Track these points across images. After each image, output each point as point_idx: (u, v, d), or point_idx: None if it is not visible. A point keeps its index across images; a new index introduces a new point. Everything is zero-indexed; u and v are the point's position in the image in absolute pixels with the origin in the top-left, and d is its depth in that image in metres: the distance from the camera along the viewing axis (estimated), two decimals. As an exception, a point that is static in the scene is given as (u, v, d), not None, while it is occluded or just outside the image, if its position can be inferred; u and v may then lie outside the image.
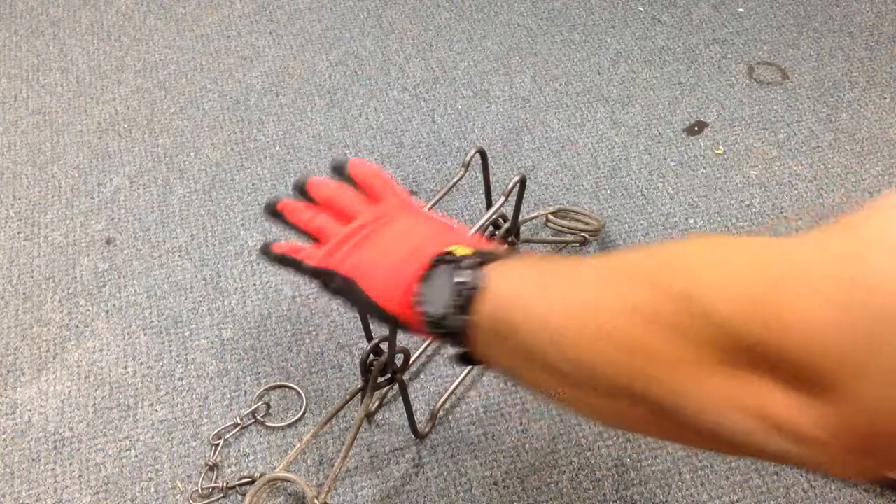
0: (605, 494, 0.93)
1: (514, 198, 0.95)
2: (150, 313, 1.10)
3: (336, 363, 1.05)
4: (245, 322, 1.09)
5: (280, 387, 1.02)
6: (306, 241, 0.80)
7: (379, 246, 0.73)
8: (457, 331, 0.61)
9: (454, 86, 1.44)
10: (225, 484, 0.92)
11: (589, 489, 0.94)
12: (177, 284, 1.14)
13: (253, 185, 1.27)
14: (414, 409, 0.96)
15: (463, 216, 1.23)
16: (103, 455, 0.96)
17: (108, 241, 1.19)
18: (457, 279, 0.61)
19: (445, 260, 0.65)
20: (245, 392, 1.02)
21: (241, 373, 1.04)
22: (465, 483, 0.94)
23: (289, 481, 0.91)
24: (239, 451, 0.96)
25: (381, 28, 1.56)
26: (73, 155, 1.32)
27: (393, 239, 0.73)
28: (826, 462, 0.44)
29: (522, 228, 1.12)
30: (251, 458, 0.96)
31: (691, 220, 1.22)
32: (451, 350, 0.76)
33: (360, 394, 0.90)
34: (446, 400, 1.00)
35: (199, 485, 0.92)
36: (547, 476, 0.95)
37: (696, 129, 1.37)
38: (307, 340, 1.08)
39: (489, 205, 0.96)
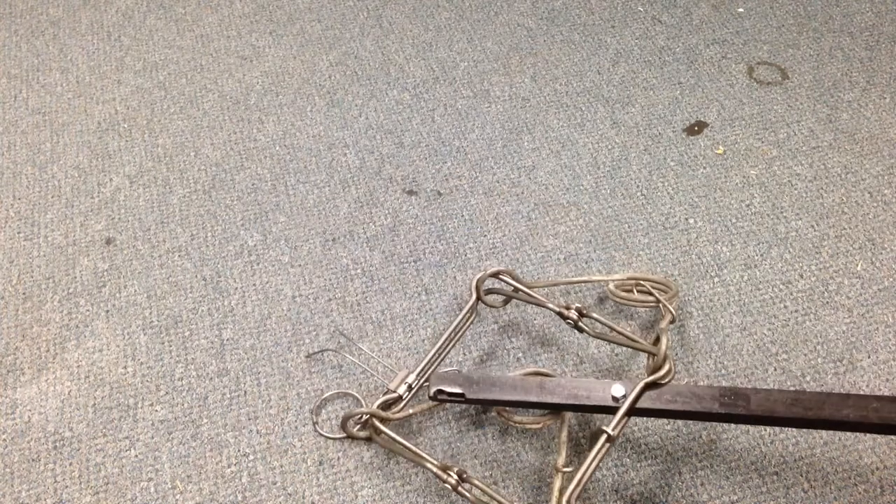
0: (604, 494, 0.93)
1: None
2: (150, 313, 1.10)
3: (336, 363, 1.05)
4: (245, 322, 1.09)
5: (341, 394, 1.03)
6: None
7: None
8: None
9: (454, 86, 1.44)
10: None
11: (589, 489, 0.94)
12: (177, 284, 1.14)
13: (253, 185, 1.27)
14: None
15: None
16: (103, 455, 0.96)
17: (108, 241, 1.19)
18: None
19: None
20: (245, 392, 1.02)
21: (241, 373, 1.04)
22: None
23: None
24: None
25: (381, 28, 1.56)
26: (73, 155, 1.32)
27: None
28: None
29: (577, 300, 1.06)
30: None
31: (691, 220, 1.22)
32: None
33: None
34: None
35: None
36: (548, 476, 0.95)
37: (696, 129, 1.37)
38: (307, 340, 1.08)
39: None
